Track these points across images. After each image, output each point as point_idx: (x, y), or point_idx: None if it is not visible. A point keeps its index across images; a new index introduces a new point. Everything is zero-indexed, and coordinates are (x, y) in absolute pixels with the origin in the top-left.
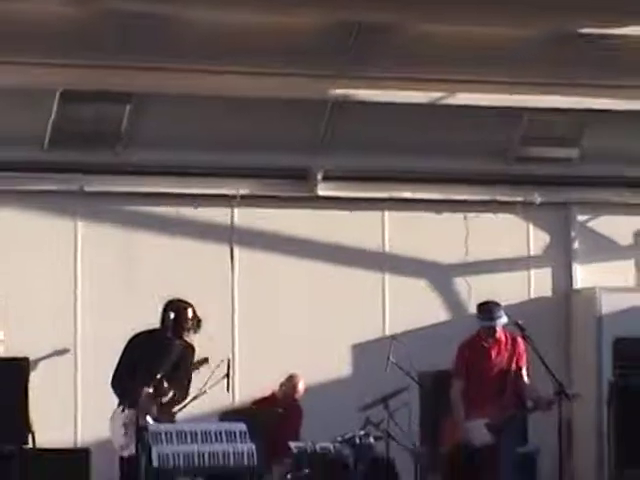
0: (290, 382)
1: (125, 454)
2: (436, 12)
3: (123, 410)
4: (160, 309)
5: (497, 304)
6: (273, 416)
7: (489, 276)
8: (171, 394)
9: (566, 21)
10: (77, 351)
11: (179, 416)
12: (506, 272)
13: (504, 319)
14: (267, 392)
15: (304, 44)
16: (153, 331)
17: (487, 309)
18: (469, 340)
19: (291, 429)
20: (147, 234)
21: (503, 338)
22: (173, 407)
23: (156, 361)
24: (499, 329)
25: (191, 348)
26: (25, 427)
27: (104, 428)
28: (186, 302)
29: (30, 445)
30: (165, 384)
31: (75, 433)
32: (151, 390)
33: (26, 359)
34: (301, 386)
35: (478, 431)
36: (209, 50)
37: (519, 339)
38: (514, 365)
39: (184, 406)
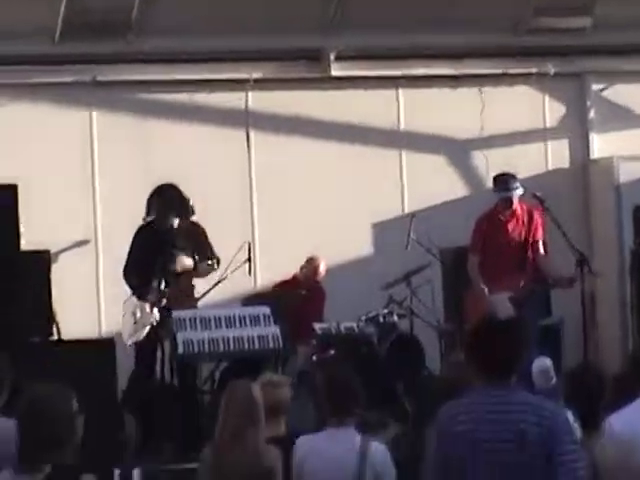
0: (310, 264)
1: (130, 342)
2: None
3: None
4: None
5: (513, 176)
6: (296, 298)
7: (506, 149)
8: (187, 262)
9: None
10: (97, 242)
11: (201, 303)
12: (523, 144)
13: (520, 190)
14: (288, 275)
15: None
16: (151, 222)
17: (503, 180)
18: (486, 213)
19: (314, 311)
20: (162, 122)
21: (519, 211)
22: (200, 274)
23: (158, 251)
24: (515, 200)
25: (195, 225)
26: (49, 319)
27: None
28: (170, 184)
29: (55, 337)
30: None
31: (99, 324)
32: (157, 283)
33: (47, 251)
34: (322, 267)
35: (501, 304)
36: None
37: (536, 212)
38: (531, 238)
39: (206, 293)
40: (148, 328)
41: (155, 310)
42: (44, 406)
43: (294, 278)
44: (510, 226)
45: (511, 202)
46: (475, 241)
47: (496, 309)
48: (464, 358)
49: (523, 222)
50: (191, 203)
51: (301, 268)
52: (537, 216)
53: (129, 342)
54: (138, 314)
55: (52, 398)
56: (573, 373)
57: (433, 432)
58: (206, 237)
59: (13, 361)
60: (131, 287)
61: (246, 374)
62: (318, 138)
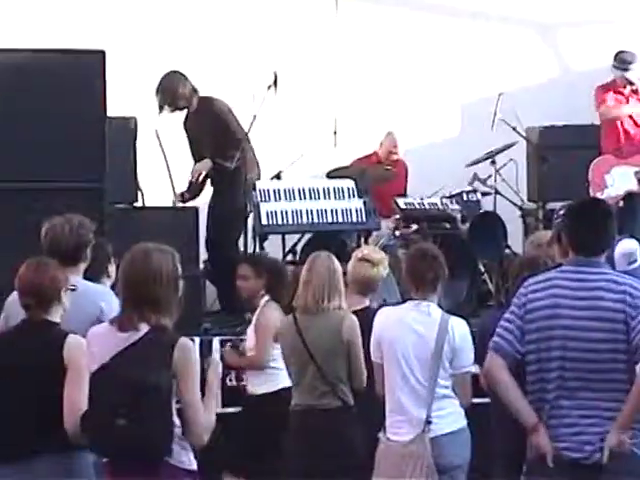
0: (388, 138)
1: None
2: None
3: None
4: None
5: (633, 54)
6: (380, 173)
7: (600, 29)
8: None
9: None
10: None
11: (285, 175)
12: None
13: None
14: (369, 151)
15: None
16: None
17: (622, 59)
18: (608, 83)
19: (398, 186)
20: None
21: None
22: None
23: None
24: (634, 78)
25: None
26: (135, 186)
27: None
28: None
29: (139, 203)
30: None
31: None
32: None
33: (134, 118)
34: (396, 141)
35: (626, 177)
36: None
37: None
38: None
39: (291, 164)
40: None
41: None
42: (150, 264)
43: (375, 154)
44: (632, 103)
45: (630, 82)
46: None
47: (620, 185)
48: (551, 235)
49: None
50: (180, 89)
51: (380, 144)
52: None
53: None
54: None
55: (158, 256)
56: None
57: (513, 306)
58: (218, 123)
59: (99, 227)
60: None
61: (329, 247)
62: (409, 9)
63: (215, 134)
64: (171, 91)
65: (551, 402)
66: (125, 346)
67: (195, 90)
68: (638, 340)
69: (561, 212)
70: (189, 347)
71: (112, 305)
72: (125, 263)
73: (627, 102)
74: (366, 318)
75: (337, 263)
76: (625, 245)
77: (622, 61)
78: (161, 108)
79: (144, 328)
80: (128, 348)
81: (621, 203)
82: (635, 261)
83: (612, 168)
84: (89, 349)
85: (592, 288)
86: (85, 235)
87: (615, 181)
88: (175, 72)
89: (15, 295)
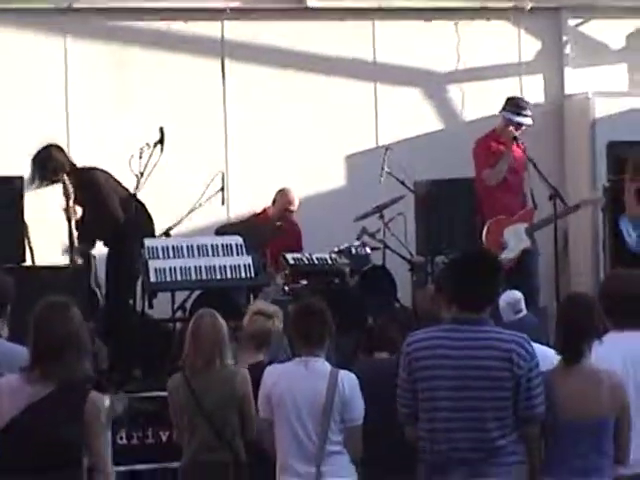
0: (282, 196)
1: None
2: None
3: None
4: (154, 127)
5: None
6: (268, 229)
7: (481, 83)
8: None
9: None
10: None
11: (174, 232)
12: (498, 79)
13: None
14: (259, 208)
15: None
16: None
17: (519, 104)
18: (489, 135)
19: (291, 243)
20: (138, 50)
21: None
22: None
23: None
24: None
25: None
26: (23, 245)
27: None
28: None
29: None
30: None
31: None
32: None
33: (20, 177)
34: (293, 198)
35: (519, 236)
36: None
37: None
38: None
39: (179, 222)
40: None
41: None
42: (60, 319)
43: (265, 211)
44: (515, 152)
45: (520, 126)
46: (486, 157)
47: (514, 242)
48: (435, 290)
49: (522, 151)
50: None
51: (273, 201)
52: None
53: None
54: None
55: (67, 311)
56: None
57: (400, 368)
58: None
59: None
60: None
61: (218, 303)
62: (293, 69)
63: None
64: (42, 163)
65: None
66: (35, 400)
67: (68, 164)
68: (526, 403)
69: (444, 265)
70: (100, 401)
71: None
72: (35, 318)
73: (508, 147)
74: (259, 373)
75: (221, 320)
76: (510, 295)
77: (517, 106)
78: (32, 180)
79: (54, 382)
80: (38, 402)
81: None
82: (521, 310)
83: (504, 229)
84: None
85: (475, 347)
86: None
87: (510, 242)
88: (50, 146)
89: None
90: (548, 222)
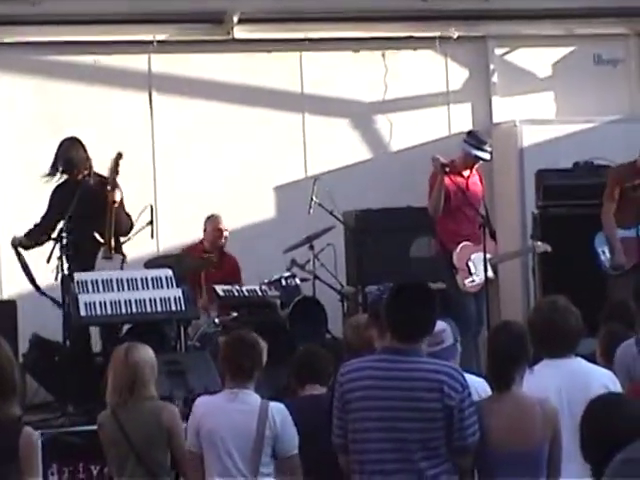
0: (211, 223)
1: None
2: None
3: None
4: None
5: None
6: (198, 261)
7: (409, 113)
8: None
9: None
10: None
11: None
12: (426, 108)
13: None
14: (191, 240)
15: None
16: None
17: (481, 139)
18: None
19: (227, 275)
20: (65, 83)
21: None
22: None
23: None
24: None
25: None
26: None
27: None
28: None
29: None
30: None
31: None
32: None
33: None
34: (222, 222)
35: (484, 264)
36: None
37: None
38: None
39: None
40: None
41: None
42: None
43: (202, 242)
44: (471, 184)
45: (479, 160)
46: (430, 188)
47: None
48: (369, 318)
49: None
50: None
51: (204, 229)
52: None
53: None
54: None
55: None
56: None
57: (335, 398)
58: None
59: None
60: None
61: (149, 336)
62: (221, 101)
63: None
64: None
65: None
66: None
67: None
68: (458, 434)
69: (376, 294)
70: (34, 435)
71: None
72: None
73: (467, 184)
74: (188, 405)
75: (141, 353)
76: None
77: (477, 139)
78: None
79: None
80: None
81: None
82: (442, 342)
83: (471, 255)
84: None
85: (405, 378)
86: None
87: (476, 268)
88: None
89: None
90: (512, 256)
